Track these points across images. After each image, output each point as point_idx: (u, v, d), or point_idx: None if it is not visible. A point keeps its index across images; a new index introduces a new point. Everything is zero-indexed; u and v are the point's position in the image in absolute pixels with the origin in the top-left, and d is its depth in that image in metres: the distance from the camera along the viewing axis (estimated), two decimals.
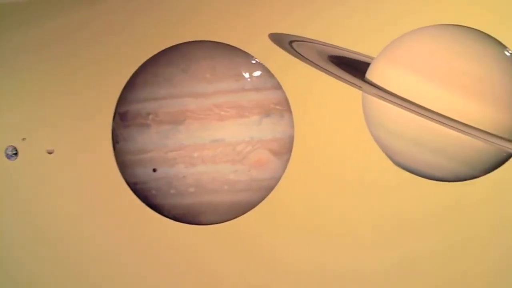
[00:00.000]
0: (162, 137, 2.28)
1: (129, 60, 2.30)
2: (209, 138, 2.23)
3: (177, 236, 2.27)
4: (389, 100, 2.02)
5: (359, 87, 2.09)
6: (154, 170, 2.29)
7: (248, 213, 2.24)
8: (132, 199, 2.32)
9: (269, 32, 2.16)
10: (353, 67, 2.05)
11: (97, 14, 2.39)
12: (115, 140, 2.35)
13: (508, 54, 1.95)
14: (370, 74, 2.05)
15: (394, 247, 1.99)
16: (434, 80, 1.95)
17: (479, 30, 1.94)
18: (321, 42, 2.08)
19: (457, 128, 1.94)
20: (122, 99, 2.34)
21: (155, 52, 2.29)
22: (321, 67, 2.13)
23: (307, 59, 2.14)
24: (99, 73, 2.37)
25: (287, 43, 2.15)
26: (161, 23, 2.29)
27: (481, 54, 1.92)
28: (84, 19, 2.39)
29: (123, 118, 2.34)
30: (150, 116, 2.29)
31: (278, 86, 2.20)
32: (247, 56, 2.23)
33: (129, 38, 2.32)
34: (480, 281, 1.96)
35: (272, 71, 2.20)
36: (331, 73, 2.12)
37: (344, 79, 2.10)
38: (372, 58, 2.04)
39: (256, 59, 2.23)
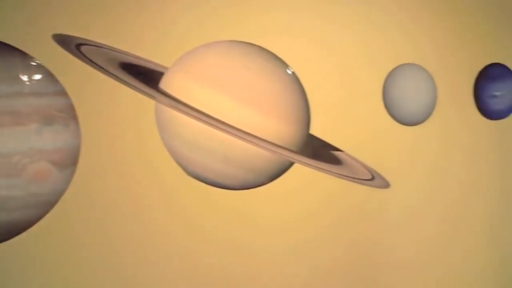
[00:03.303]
0: None
1: None
2: None
3: None
4: (182, 111, 2.02)
5: (153, 97, 2.04)
6: None
7: (25, 232, 2.00)
8: None
9: (53, 33, 1.96)
10: (147, 76, 2.00)
11: None
12: None
13: (289, 72, 2.13)
14: (164, 84, 2.02)
15: (186, 255, 2.00)
16: (225, 93, 2.01)
17: (267, 49, 2.08)
18: (112, 47, 1.98)
19: (244, 139, 2.04)
20: None
21: None
22: (112, 74, 2.02)
23: (96, 64, 2.01)
24: None
25: (74, 45, 1.99)
26: None
27: (268, 71, 2.06)
28: None
29: None
30: None
31: (62, 92, 2.01)
32: (25, 57, 1.98)
33: None
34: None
35: (56, 75, 2.00)
36: (123, 81, 2.03)
37: (136, 87, 2.04)
38: (166, 68, 2.01)
39: (37, 61, 2.00)
